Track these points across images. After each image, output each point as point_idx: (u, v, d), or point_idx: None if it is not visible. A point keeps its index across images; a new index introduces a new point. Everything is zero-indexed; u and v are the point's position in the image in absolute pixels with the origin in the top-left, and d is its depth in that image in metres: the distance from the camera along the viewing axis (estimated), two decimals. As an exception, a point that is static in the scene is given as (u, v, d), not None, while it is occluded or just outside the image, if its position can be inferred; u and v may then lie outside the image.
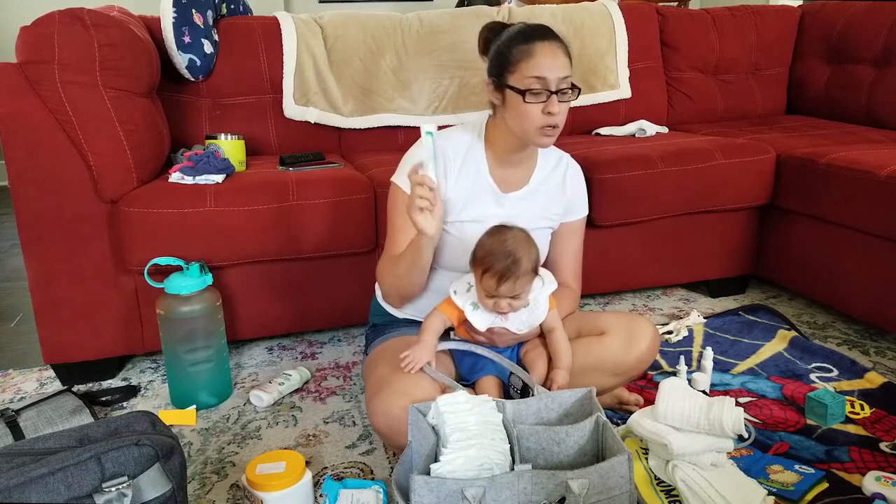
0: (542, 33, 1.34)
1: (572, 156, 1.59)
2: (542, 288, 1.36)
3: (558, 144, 1.57)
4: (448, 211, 1.43)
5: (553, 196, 1.51)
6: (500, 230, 1.32)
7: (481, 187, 1.44)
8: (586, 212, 1.60)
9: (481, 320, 1.33)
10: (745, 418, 1.48)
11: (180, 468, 1.12)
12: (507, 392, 1.42)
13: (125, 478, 1.03)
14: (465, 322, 1.38)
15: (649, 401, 1.49)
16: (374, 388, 1.34)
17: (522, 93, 1.31)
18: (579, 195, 1.57)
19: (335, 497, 1.26)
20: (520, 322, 1.35)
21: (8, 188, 1.65)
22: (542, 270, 1.37)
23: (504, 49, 1.36)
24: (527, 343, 1.46)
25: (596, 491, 1.05)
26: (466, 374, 1.38)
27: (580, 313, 1.55)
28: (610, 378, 1.46)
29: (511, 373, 1.41)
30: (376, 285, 1.61)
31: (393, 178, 1.46)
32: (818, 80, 2.69)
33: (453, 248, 1.43)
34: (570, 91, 1.34)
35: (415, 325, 1.53)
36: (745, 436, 1.47)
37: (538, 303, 1.35)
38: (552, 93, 1.31)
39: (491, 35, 1.42)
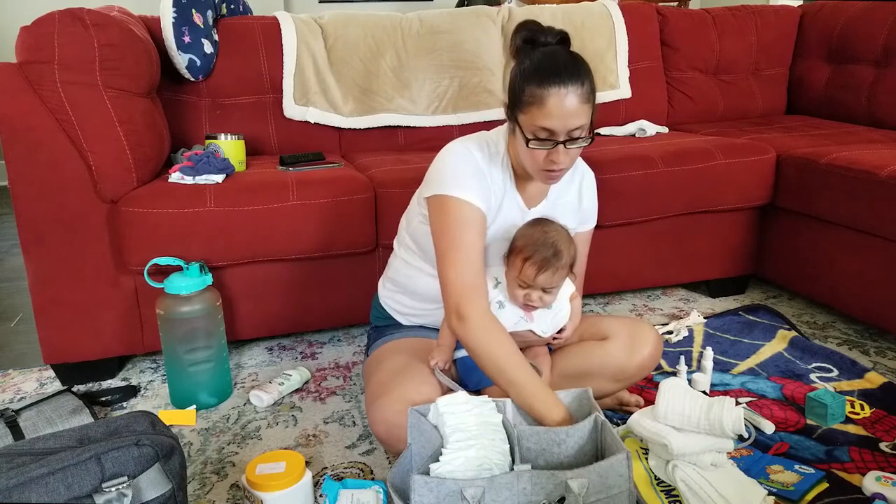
0: (559, 75, 1.21)
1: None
2: (565, 290, 1.37)
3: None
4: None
5: (571, 210, 1.48)
6: (541, 222, 1.33)
7: (508, 201, 1.40)
8: (595, 222, 1.57)
9: (507, 320, 1.33)
10: (746, 418, 1.49)
11: (180, 468, 1.12)
12: None
13: (125, 478, 1.03)
14: None
15: (649, 401, 1.49)
16: (374, 394, 1.34)
17: (527, 139, 1.25)
18: (592, 206, 1.54)
19: (335, 497, 1.25)
20: (545, 324, 1.35)
21: (8, 188, 1.65)
22: None
23: (518, 85, 1.25)
24: (527, 354, 1.45)
25: (595, 490, 1.05)
26: (473, 386, 1.38)
27: (582, 316, 1.55)
28: (611, 383, 1.46)
29: None
30: (379, 284, 1.61)
31: (445, 193, 1.31)
32: (818, 80, 2.69)
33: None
34: (582, 139, 1.25)
35: (416, 328, 1.53)
36: (745, 436, 1.47)
37: (561, 305, 1.36)
38: (559, 142, 1.24)
39: (521, 42, 1.30)
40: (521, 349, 1.40)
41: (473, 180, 1.32)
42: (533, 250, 1.27)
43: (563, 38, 1.31)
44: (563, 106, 1.20)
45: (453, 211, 1.31)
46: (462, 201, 1.30)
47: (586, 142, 1.26)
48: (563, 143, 1.24)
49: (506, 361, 1.25)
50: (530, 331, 1.35)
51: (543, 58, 1.25)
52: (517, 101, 1.26)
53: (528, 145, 1.25)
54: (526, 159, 1.30)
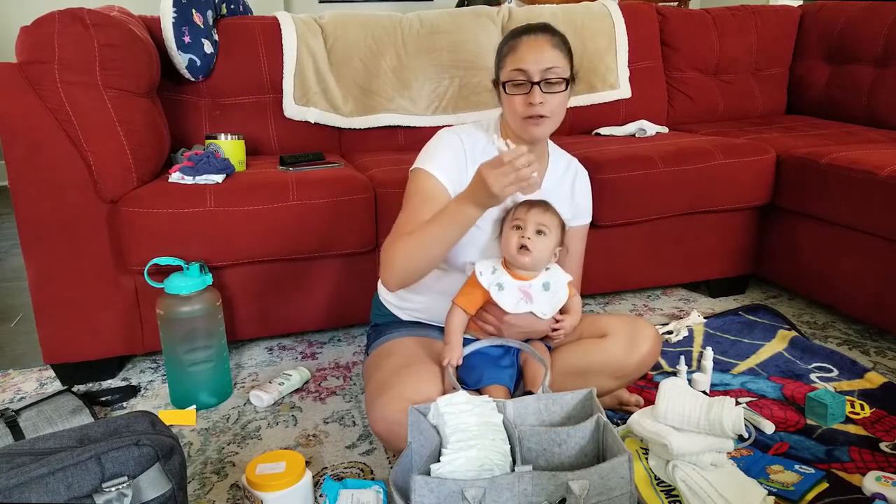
0: (531, 29, 1.37)
1: (573, 156, 1.60)
2: (561, 275, 1.40)
3: (559, 143, 1.57)
4: None
5: (563, 202, 1.50)
6: None
7: None
8: (590, 218, 1.60)
9: (507, 301, 1.35)
10: (746, 418, 1.49)
11: (180, 468, 1.12)
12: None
13: (125, 478, 1.03)
14: (478, 313, 1.39)
15: (649, 401, 1.49)
16: (374, 392, 1.34)
17: (504, 84, 1.36)
18: (585, 201, 1.58)
19: (335, 497, 1.25)
20: (543, 305, 1.37)
21: (8, 188, 1.65)
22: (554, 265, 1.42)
23: (498, 51, 1.41)
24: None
25: (596, 492, 1.04)
26: (473, 385, 1.38)
27: (582, 315, 1.55)
28: (611, 381, 1.46)
29: (519, 386, 1.42)
30: (378, 283, 1.61)
31: (417, 165, 1.43)
32: (818, 80, 2.69)
33: (464, 247, 1.43)
34: (557, 82, 1.34)
35: (417, 325, 1.53)
36: (745, 436, 1.47)
37: (558, 288, 1.38)
38: (534, 83, 1.33)
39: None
40: (523, 342, 1.41)
41: (449, 158, 1.42)
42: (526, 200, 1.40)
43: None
44: (534, 48, 1.34)
45: (417, 182, 1.42)
46: (428, 174, 1.40)
47: (562, 87, 1.35)
48: (539, 83, 1.33)
49: (412, 237, 1.33)
50: (531, 313, 1.36)
51: (519, 25, 1.42)
52: (497, 62, 1.41)
53: (506, 90, 1.36)
54: (510, 113, 1.39)
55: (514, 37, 1.38)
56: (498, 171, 1.18)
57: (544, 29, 1.38)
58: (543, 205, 1.38)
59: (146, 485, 1.06)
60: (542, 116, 1.35)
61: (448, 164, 1.41)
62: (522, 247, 1.33)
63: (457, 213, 1.28)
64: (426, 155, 1.44)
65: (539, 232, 1.34)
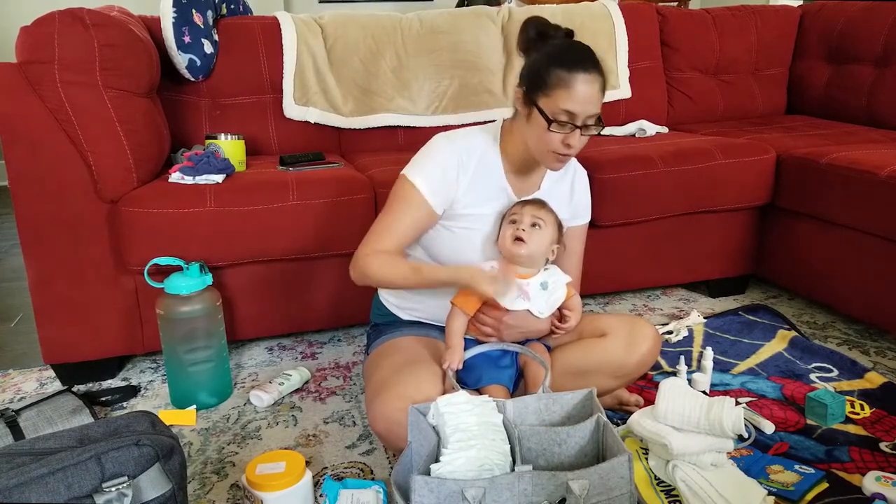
0: (585, 62, 1.32)
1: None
2: (559, 276, 1.41)
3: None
4: (461, 205, 1.42)
5: (562, 203, 1.51)
6: None
7: (496, 191, 1.44)
8: (589, 218, 1.61)
9: (506, 298, 1.35)
10: (746, 418, 1.49)
11: (180, 468, 1.12)
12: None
13: (125, 478, 1.03)
14: (476, 315, 1.40)
15: (649, 401, 1.49)
16: (374, 391, 1.34)
17: (549, 121, 1.31)
18: (584, 201, 1.59)
19: (335, 497, 1.26)
20: (541, 304, 1.38)
21: (8, 188, 1.65)
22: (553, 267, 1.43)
23: (544, 68, 1.32)
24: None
25: (596, 492, 1.04)
26: (472, 385, 1.39)
27: (581, 315, 1.55)
28: (610, 380, 1.46)
29: (519, 386, 1.43)
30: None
31: (405, 173, 1.42)
32: (818, 80, 2.69)
33: (464, 250, 1.43)
34: (595, 126, 1.34)
35: (417, 325, 1.53)
36: (745, 436, 1.47)
37: (556, 287, 1.39)
38: (577, 127, 1.32)
39: (534, 35, 1.40)
40: (520, 343, 1.41)
41: (437, 175, 1.39)
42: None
43: (570, 34, 1.42)
44: (588, 92, 1.31)
45: (402, 190, 1.41)
46: (413, 186, 1.39)
47: (598, 129, 1.36)
48: (580, 128, 1.32)
49: (392, 268, 1.38)
50: (528, 311, 1.37)
51: (570, 46, 1.37)
52: (541, 84, 1.32)
53: (549, 128, 1.31)
54: (538, 143, 1.35)
55: (568, 67, 1.30)
56: (496, 286, 1.29)
57: (594, 65, 1.33)
58: (539, 202, 1.40)
59: (146, 485, 1.06)
60: (570, 155, 1.36)
61: (434, 179, 1.39)
62: (518, 238, 1.34)
63: (437, 282, 1.38)
64: (417, 163, 1.42)
65: (535, 225, 1.36)
